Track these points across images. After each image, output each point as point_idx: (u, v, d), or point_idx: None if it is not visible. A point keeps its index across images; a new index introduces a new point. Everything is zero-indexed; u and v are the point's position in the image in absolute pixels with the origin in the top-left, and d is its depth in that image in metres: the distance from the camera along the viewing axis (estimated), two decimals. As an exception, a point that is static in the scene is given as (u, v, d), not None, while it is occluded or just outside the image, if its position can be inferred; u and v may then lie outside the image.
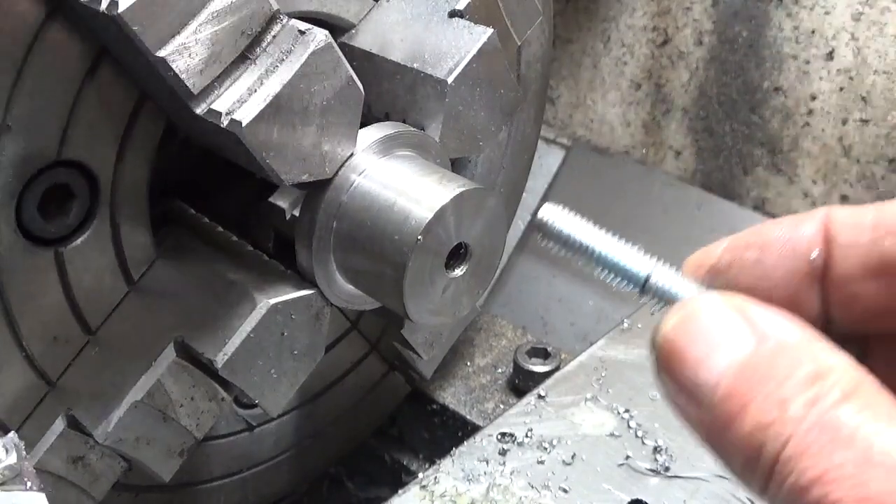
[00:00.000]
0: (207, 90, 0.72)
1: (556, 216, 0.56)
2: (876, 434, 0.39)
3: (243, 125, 0.72)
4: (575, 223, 0.55)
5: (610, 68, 1.58)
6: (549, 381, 1.08)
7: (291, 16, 0.76)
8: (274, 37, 0.74)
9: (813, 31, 1.35)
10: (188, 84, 0.71)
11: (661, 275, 0.50)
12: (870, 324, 0.50)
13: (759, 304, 0.46)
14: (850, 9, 1.32)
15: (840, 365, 0.42)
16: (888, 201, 0.49)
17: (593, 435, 1.00)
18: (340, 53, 0.76)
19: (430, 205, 0.75)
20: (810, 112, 1.39)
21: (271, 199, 0.92)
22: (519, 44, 0.96)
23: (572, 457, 0.98)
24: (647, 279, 0.51)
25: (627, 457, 0.96)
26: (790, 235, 0.50)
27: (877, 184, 1.36)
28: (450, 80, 0.84)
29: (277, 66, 0.74)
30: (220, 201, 1.01)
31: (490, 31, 0.87)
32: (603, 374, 1.04)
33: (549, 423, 1.02)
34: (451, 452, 1.03)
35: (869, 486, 0.38)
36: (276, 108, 0.73)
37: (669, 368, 0.46)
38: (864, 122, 1.35)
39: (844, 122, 1.36)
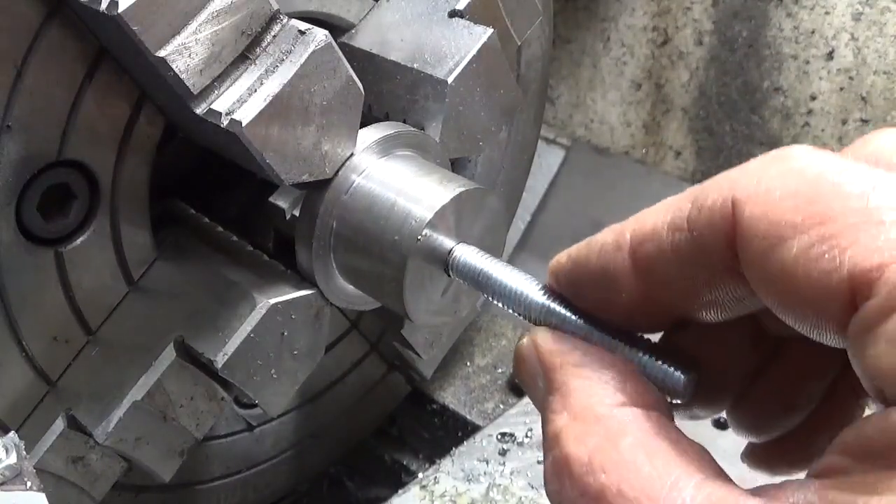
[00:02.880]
0: (207, 90, 0.72)
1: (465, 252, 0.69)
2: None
3: (243, 125, 0.72)
4: (479, 258, 0.67)
5: (610, 68, 1.58)
6: (549, 381, 1.07)
7: (291, 16, 0.76)
8: (274, 37, 0.74)
9: (813, 31, 1.35)
10: (188, 84, 0.71)
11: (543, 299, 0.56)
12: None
13: (551, 342, 0.50)
14: (850, 9, 1.32)
15: (588, 411, 0.45)
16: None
17: (593, 435, 0.99)
18: (340, 53, 0.76)
19: (430, 204, 0.75)
20: (810, 112, 1.39)
21: (271, 199, 0.92)
22: (519, 44, 0.96)
23: (572, 457, 0.97)
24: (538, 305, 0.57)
25: (627, 457, 0.95)
26: (603, 269, 0.49)
27: (877, 184, 1.36)
28: (450, 80, 0.84)
29: (277, 66, 0.74)
30: (220, 201, 1.01)
31: (490, 31, 0.87)
32: (603, 374, 1.04)
33: (549, 423, 1.01)
34: (451, 452, 1.03)
35: None
36: (276, 108, 0.73)
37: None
38: (864, 122, 1.35)
39: (844, 122, 1.36)
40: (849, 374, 0.47)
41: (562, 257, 0.52)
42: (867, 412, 0.49)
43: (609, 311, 0.50)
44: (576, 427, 0.45)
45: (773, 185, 0.42)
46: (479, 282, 0.65)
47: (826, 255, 0.39)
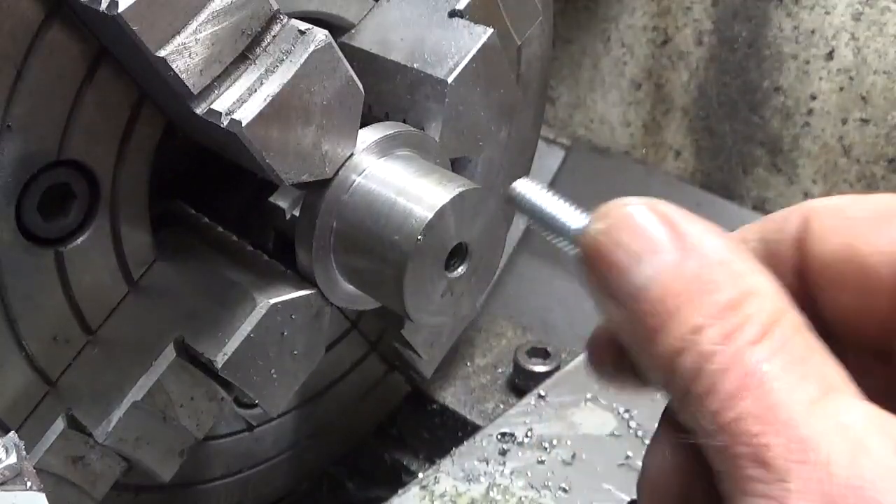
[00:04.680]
0: (207, 90, 0.72)
1: (528, 189, 0.59)
2: (783, 388, 0.38)
3: (243, 125, 0.72)
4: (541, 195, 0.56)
5: (610, 68, 1.58)
6: (549, 381, 1.08)
7: (292, 16, 0.76)
8: (274, 37, 0.74)
9: (813, 31, 1.35)
10: (188, 84, 0.71)
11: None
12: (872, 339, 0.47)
13: (688, 215, 0.43)
14: (850, 9, 1.32)
15: (763, 291, 0.41)
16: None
17: (593, 435, 1.00)
18: (340, 53, 0.76)
19: (431, 204, 0.75)
20: (810, 112, 1.39)
21: (271, 199, 0.92)
22: (519, 44, 0.96)
23: (572, 457, 0.98)
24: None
25: (628, 456, 0.96)
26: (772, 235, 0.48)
27: (877, 184, 1.36)
28: (450, 80, 0.84)
29: (277, 66, 0.74)
30: (220, 201, 1.01)
31: (490, 30, 0.87)
32: (603, 374, 1.04)
33: (549, 423, 1.02)
34: (451, 452, 1.03)
35: (770, 448, 0.37)
36: (276, 108, 0.73)
37: (595, 272, 0.44)
38: (864, 122, 1.35)
39: (844, 122, 1.36)
40: None
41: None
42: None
43: None
44: (757, 301, 0.40)
45: (845, 199, 0.46)
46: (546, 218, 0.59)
47: (893, 229, 0.43)
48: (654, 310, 0.41)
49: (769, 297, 0.41)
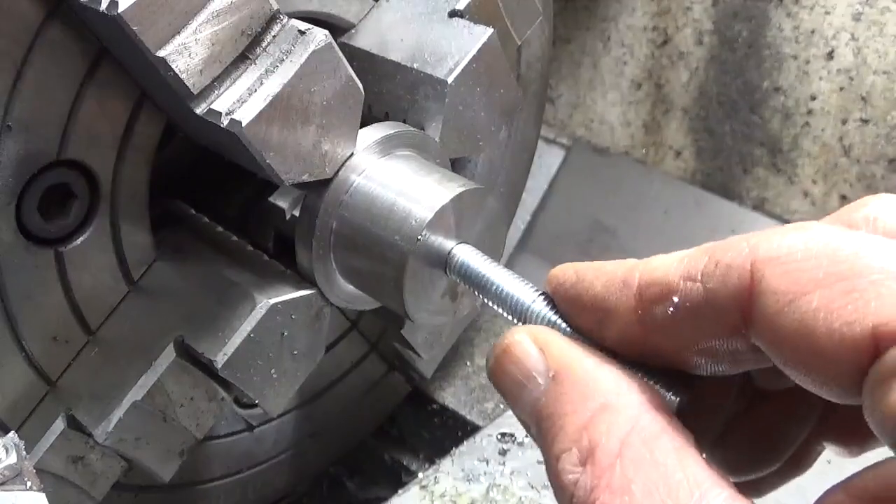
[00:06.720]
0: (207, 90, 0.72)
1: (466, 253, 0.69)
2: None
3: (243, 125, 0.72)
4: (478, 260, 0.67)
5: (610, 68, 1.58)
6: (549, 381, 1.07)
7: (291, 16, 0.76)
8: (274, 37, 0.74)
9: (813, 31, 1.35)
10: (188, 84, 0.71)
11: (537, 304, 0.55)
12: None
13: (566, 341, 0.49)
14: (850, 9, 1.32)
15: (618, 405, 0.45)
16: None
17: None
18: (340, 53, 0.76)
19: (430, 204, 0.75)
20: (810, 112, 1.39)
21: (271, 199, 0.92)
22: (519, 44, 0.96)
23: (572, 457, 0.97)
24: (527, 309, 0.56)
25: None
26: (604, 300, 0.49)
27: (877, 184, 1.36)
28: (450, 80, 0.84)
29: (277, 66, 0.74)
30: (220, 201, 1.01)
31: (490, 30, 0.87)
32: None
33: (549, 423, 1.01)
34: (451, 452, 1.03)
35: None
36: (276, 108, 0.73)
37: (500, 394, 0.51)
38: (864, 122, 1.35)
39: (844, 122, 1.36)
40: (826, 422, 0.51)
41: (568, 269, 0.52)
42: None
43: (598, 340, 0.50)
44: (608, 418, 0.44)
45: (795, 247, 0.43)
46: (476, 284, 0.65)
47: (849, 307, 0.40)
48: (536, 433, 0.47)
49: (622, 411, 0.44)
